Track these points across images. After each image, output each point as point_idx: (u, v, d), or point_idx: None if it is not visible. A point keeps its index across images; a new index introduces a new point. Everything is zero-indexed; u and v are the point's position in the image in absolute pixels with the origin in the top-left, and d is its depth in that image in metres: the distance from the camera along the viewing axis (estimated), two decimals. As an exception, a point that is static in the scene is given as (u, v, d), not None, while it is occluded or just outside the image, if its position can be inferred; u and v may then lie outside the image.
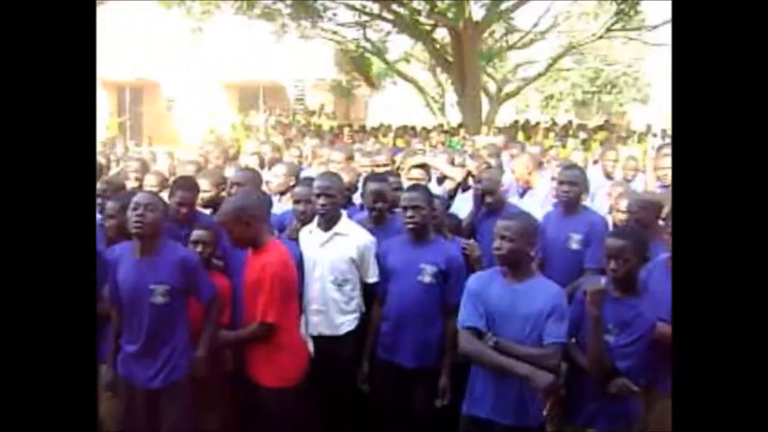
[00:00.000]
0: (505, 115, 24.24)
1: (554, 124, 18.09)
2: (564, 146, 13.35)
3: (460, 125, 16.65)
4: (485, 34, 18.15)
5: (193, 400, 3.43)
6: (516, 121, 18.22)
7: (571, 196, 4.13)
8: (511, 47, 20.46)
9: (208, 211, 4.58)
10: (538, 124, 17.28)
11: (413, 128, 16.16)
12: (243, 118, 20.81)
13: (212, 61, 23.01)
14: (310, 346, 3.69)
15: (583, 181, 4.17)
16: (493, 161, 5.75)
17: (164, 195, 4.14)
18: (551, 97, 38.18)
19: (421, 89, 21.98)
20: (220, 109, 23.08)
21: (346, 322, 3.75)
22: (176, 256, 3.32)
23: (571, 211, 4.17)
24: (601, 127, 16.58)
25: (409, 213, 3.57)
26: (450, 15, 15.86)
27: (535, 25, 19.76)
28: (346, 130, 15.64)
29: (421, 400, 3.57)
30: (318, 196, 3.70)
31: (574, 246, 4.05)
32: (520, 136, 14.78)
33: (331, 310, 3.73)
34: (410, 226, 3.60)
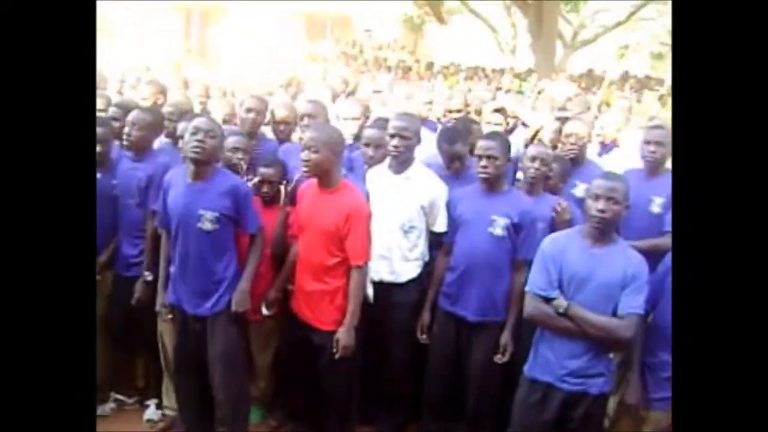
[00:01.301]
0: (578, 62, 23.33)
1: (628, 75, 17.26)
2: (639, 101, 12.77)
3: (531, 70, 16.06)
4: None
5: (244, 334, 3.44)
6: (590, 70, 17.44)
7: (657, 156, 3.91)
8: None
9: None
10: (606, 80, 16.49)
11: (483, 69, 15.67)
12: (310, 47, 20.56)
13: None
14: (370, 292, 3.62)
15: (669, 142, 3.92)
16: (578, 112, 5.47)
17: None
18: (627, 47, 36.55)
19: (493, 28, 21.22)
20: (287, 36, 22.83)
21: (408, 270, 3.66)
22: (228, 183, 3.27)
23: (654, 172, 3.95)
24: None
25: (483, 162, 3.41)
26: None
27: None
28: (415, 66, 15.31)
29: (481, 354, 3.48)
30: (392, 136, 3.56)
31: (656, 210, 3.85)
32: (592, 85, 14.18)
33: (394, 256, 3.63)
34: (483, 176, 3.44)
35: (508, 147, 3.49)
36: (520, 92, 13.12)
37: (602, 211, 2.82)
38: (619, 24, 21.29)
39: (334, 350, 3.25)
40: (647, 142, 3.96)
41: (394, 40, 21.18)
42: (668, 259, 3.06)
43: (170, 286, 3.41)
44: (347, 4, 23.19)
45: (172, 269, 3.40)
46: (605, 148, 5.17)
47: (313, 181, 3.37)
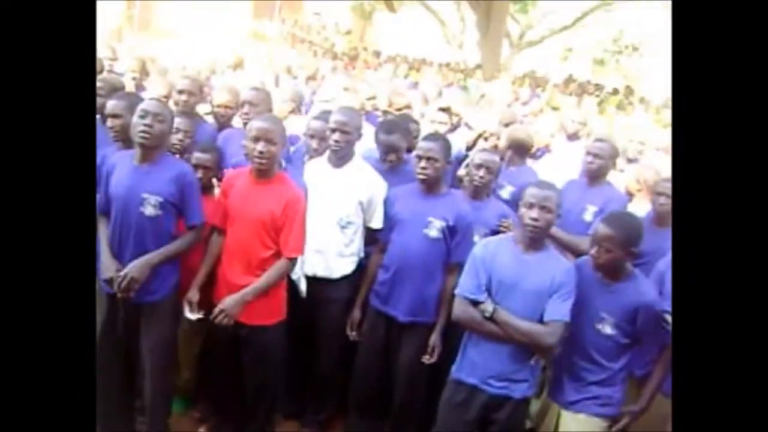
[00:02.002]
0: (523, 61, 23.68)
1: (571, 79, 17.63)
2: (579, 104, 13.05)
3: (478, 66, 16.21)
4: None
5: (175, 329, 3.35)
6: (533, 71, 17.73)
7: (594, 167, 4.04)
8: (541, -7, 19.78)
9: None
10: (550, 82, 16.82)
11: (429, 62, 15.72)
12: (255, 26, 20.19)
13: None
14: (303, 286, 3.59)
15: (610, 156, 4.08)
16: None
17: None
18: (570, 49, 37.31)
19: (442, 22, 21.29)
20: (233, 12, 22.34)
21: (343, 266, 3.64)
22: (175, 169, 3.17)
23: (593, 183, 4.09)
24: (616, 91, 16.17)
25: (423, 164, 3.41)
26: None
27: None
28: (362, 54, 15.23)
29: (409, 354, 3.50)
30: (333, 131, 3.52)
31: (588, 218, 3.97)
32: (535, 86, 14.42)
33: (329, 251, 3.60)
34: (422, 177, 3.44)
35: (449, 149, 3.50)
36: (464, 87, 13.25)
37: (535, 219, 2.87)
38: (565, 28, 21.68)
39: (214, 316, 3.16)
40: (588, 153, 4.09)
41: (336, 25, 21.00)
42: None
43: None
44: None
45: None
46: (538, 152, 5.27)
47: (243, 169, 3.30)
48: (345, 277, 3.65)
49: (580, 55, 34.51)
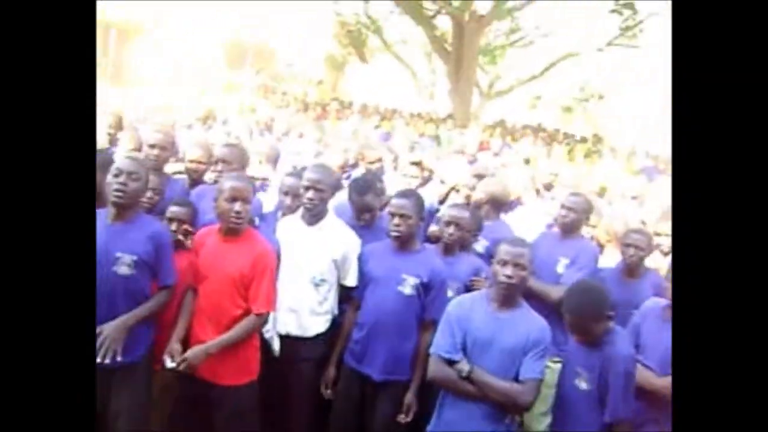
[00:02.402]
0: (493, 109, 24.13)
1: (540, 128, 17.99)
2: (549, 154, 13.28)
3: (449, 115, 16.47)
4: (487, 29, 17.92)
5: (149, 390, 3.27)
6: (503, 121, 18.06)
7: (568, 221, 4.08)
8: (510, 45, 20.27)
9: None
10: (524, 128, 17.15)
11: (400, 112, 15.92)
12: (228, 76, 20.34)
13: (204, 12, 22.39)
14: (276, 345, 3.54)
15: (583, 210, 4.12)
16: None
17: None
18: (539, 97, 38.15)
19: (413, 72, 21.67)
20: (206, 63, 22.52)
21: (317, 324, 3.60)
22: (150, 228, 3.14)
23: (566, 235, 4.13)
24: (584, 139, 16.51)
25: (396, 221, 3.43)
26: (455, 4, 15.58)
27: (537, 27, 19.59)
28: (333, 105, 15.38)
29: (384, 413, 3.45)
30: (307, 189, 3.52)
31: (560, 270, 3.99)
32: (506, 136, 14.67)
33: (303, 310, 3.57)
34: (395, 234, 3.46)
35: (421, 205, 3.53)
36: (436, 137, 13.41)
37: (509, 276, 2.89)
38: (533, 77, 22.18)
39: (177, 363, 3.09)
40: (562, 207, 4.16)
41: (308, 79, 21.26)
42: None
43: None
44: (271, 35, 23.16)
45: None
46: (510, 205, 5.30)
47: (214, 227, 3.29)
48: (319, 336, 3.61)
49: (547, 103, 35.34)
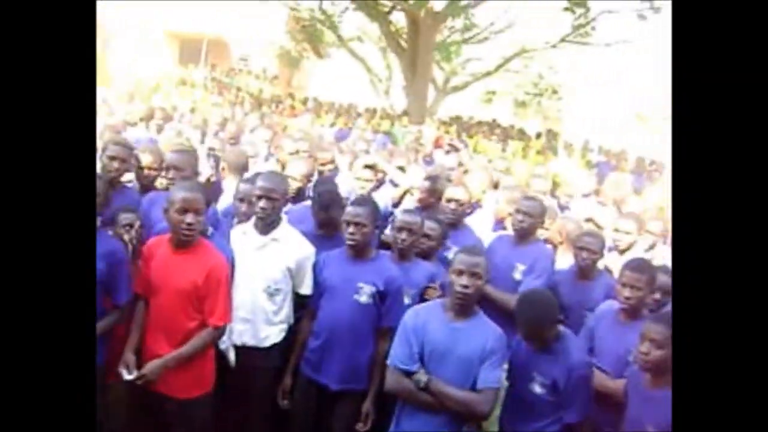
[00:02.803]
0: (449, 104, 24.24)
1: (495, 123, 18.13)
2: (504, 150, 13.41)
3: (405, 112, 16.50)
4: (442, 25, 17.98)
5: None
6: (458, 117, 18.15)
7: (525, 226, 4.07)
8: (465, 41, 20.37)
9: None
10: (479, 123, 17.26)
11: (357, 111, 15.85)
12: (183, 72, 19.97)
13: (156, 6, 21.97)
14: (232, 356, 3.48)
15: (539, 214, 4.13)
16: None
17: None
18: (493, 92, 38.56)
19: (368, 68, 21.64)
20: (159, 56, 22.11)
21: (272, 334, 3.55)
22: (106, 246, 3.03)
23: (522, 240, 4.11)
24: (539, 135, 16.69)
25: (351, 229, 3.40)
26: (411, 1, 15.58)
27: (492, 23, 19.74)
28: (288, 102, 15.25)
29: (342, 423, 3.43)
30: (259, 198, 3.46)
31: (517, 276, 3.99)
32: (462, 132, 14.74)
33: (258, 319, 3.51)
34: (350, 242, 3.43)
35: (376, 213, 3.51)
36: (391, 134, 13.40)
37: (465, 286, 2.88)
38: (488, 73, 22.36)
39: (135, 378, 3.05)
40: (517, 211, 4.12)
41: (263, 71, 21.01)
42: None
43: None
44: (225, 28, 22.82)
45: None
46: (470, 208, 5.30)
47: (164, 237, 3.21)
48: (275, 345, 3.56)
49: (502, 98, 35.72)
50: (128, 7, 21.59)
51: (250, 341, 3.52)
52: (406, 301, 3.56)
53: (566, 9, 17.41)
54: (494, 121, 18.85)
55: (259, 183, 3.50)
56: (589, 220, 5.33)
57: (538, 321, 3.01)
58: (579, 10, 16.89)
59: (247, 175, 4.48)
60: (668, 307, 3.37)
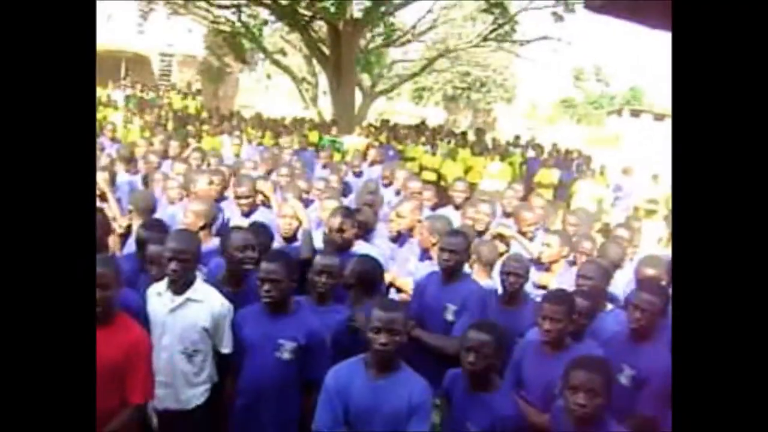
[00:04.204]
0: (377, 104, 24.23)
1: (424, 125, 18.20)
2: (434, 154, 13.45)
3: (333, 121, 16.38)
4: (364, 30, 17.91)
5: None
6: (386, 121, 18.12)
7: (451, 264, 3.95)
8: (388, 44, 20.38)
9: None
10: (409, 128, 17.27)
11: (284, 124, 15.67)
12: (102, 91, 19.34)
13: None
14: (155, 421, 3.35)
15: (464, 249, 4.03)
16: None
17: None
18: (423, 89, 38.93)
19: (294, 77, 21.42)
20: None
21: (194, 396, 3.43)
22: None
23: (450, 279, 3.99)
24: (465, 134, 16.79)
25: (266, 287, 3.30)
26: (331, 10, 15.45)
27: (414, 26, 19.82)
28: (214, 118, 14.93)
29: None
30: (170, 260, 3.33)
31: (449, 317, 3.89)
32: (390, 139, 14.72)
33: (178, 382, 3.40)
34: (266, 300, 3.33)
35: (293, 267, 3.41)
36: (322, 144, 13.29)
37: (384, 344, 2.82)
38: (414, 75, 22.48)
39: None
40: (442, 250, 3.98)
41: (187, 85, 20.57)
42: None
43: None
44: (145, 44, 22.26)
45: None
46: (401, 238, 5.16)
47: None
48: (198, 407, 3.44)
49: (432, 94, 36.02)
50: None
51: (173, 405, 3.41)
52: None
53: (484, 10, 17.63)
54: (423, 123, 18.95)
55: (169, 244, 3.37)
56: (497, 236, 5.37)
57: (496, 345, 2.98)
58: (496, 10, 17.10)
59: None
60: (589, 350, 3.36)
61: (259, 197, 5.39)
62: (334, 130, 14.54)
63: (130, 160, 7.16)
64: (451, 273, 4.00)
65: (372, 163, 9.93)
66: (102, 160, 6.98)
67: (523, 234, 5.43)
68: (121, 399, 2.98)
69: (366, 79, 22.20)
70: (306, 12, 16.72)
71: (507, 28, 17.76)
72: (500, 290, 4.17)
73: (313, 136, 14.23)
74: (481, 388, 3.02)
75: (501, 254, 4.75)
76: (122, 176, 6.32)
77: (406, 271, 4.81)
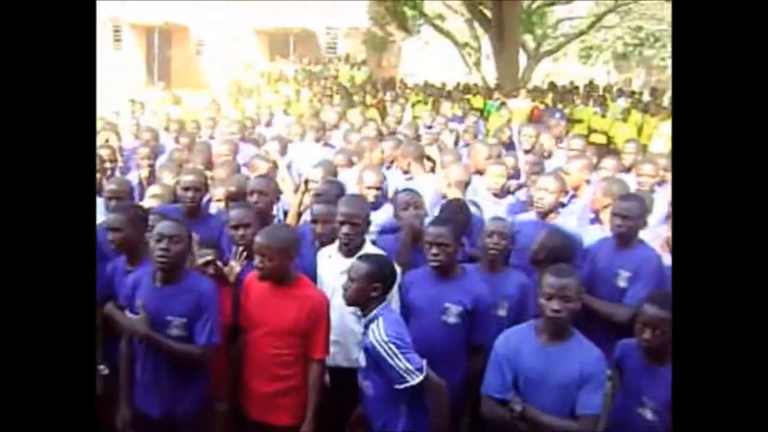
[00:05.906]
0: (543, 66, 23.38)
1: (592, 86, 17.31)
2: (604, 116, 12.78)
3: (497, 86, 16.06)
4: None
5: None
6: (552, 83, 17.46)
7: (624, 231, 3.71)
8: (553, 2, 19.54)
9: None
10: (576, 88, 16.51)
11: (448, 90, 15.55)
12: (272, 66, 20.36)
13: (243, 5, 22.50)
14: (326, 378, 3.50)
15: (639, 215, 3.75)
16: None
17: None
18: (591, 47, 36.97)
19: (456, 42, 21.22)
20: (250, 54, 22.65)
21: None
22: (197, 288, 3.13)
23: (623, 245, 3.76)
24: (640, 94, 15.78)
25: (434, 250, 3.30)
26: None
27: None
28: (370, 89, 15.18)
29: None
30: (342, 223, 3.44)
31: (622, 284, 3.68)
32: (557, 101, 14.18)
33: (348, 341, 3.52)
34: (434, 264, 3.34)
35: (460, 231, 3.39)
36: (487, 110, 13.11)
37: (557, 311, 2.73)
38: (581, 33, 21.44)
39: None
40: (615, 215, 3.76)
41: (346, 56, 21.07)
42: None
43: (135, 393, 3.20)
44: (312, 20, 23.06)
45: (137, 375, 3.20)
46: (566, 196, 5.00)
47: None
48: (368, 367, 3.54)
49: (601, 53, 34.08)
50: (216, 11, 22.27)
51: (343, 363, 3.53)
52: (501, 313, 3.44)
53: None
54: (591, 82, 18.03)
55: (341, 208, 3.48)
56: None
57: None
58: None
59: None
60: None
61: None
62: (497, 95, 14.27)
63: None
64: (625, 239, 3.76)
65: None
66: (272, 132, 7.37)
67: None
68: (295, 355, 3.16)
69: (530, 41, 21.50)
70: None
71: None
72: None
73: (477, 102, 14.06)
74: (658, 362, 2.83)
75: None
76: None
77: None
